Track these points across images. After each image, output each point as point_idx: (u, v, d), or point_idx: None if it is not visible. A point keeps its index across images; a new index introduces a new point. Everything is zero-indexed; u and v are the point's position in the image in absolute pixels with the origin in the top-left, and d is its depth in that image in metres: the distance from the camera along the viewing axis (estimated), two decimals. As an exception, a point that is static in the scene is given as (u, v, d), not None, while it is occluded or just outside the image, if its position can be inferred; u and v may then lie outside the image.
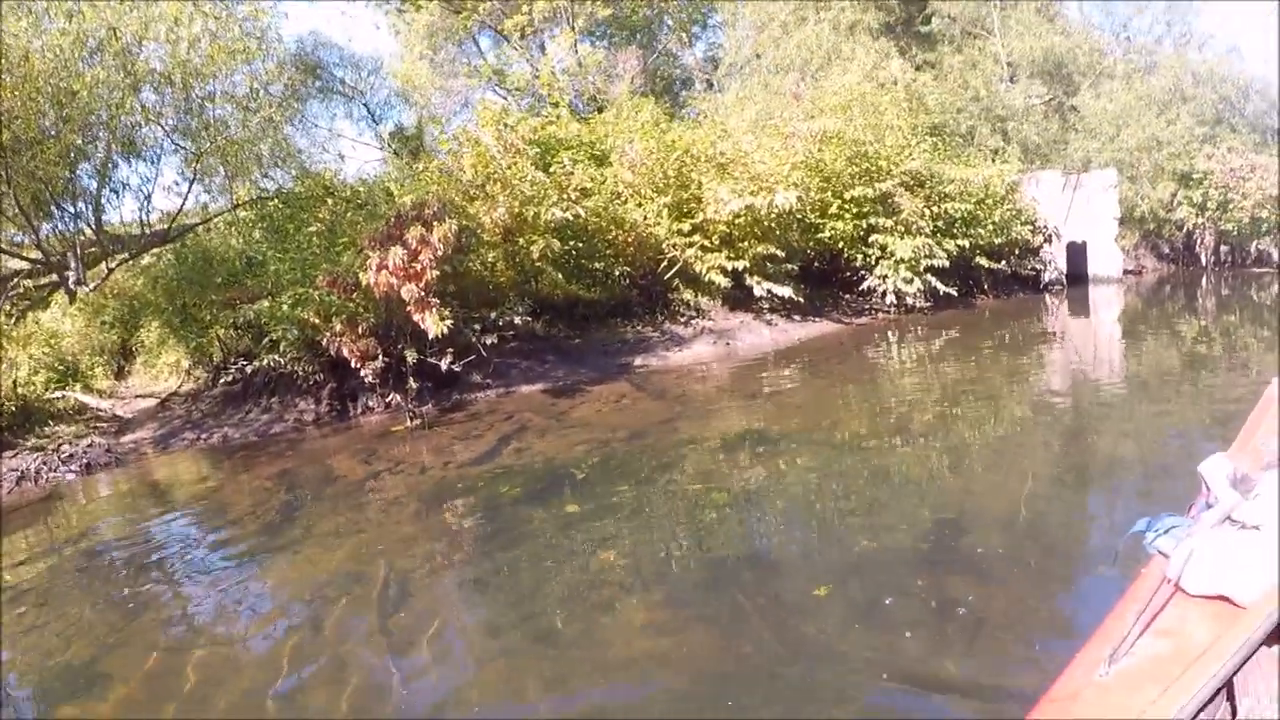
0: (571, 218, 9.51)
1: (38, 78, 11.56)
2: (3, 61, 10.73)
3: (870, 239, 11.79)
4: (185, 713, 3.69)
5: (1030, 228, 17.09)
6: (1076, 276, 18.98)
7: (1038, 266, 17.69)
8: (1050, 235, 18.30)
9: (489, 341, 9.16)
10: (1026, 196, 17.65)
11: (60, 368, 12.76)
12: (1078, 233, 19.26)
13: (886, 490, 5.65)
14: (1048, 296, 17.30)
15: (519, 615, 4.31)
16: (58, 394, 11.89)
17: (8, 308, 13.32)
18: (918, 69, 17.83)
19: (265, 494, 7.45)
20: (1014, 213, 16.08)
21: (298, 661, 4.09)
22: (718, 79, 19.03)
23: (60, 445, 10.24)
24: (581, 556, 4.97)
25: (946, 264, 12.59)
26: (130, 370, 13.44)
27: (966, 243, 13.50)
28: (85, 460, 9.52)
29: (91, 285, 13.69)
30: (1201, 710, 1.66)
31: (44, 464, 9.52)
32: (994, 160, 16.92)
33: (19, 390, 11.20)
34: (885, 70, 15.43)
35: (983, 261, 14.19)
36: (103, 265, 14.21)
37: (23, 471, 9.27)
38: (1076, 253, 19.27)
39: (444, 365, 9.03)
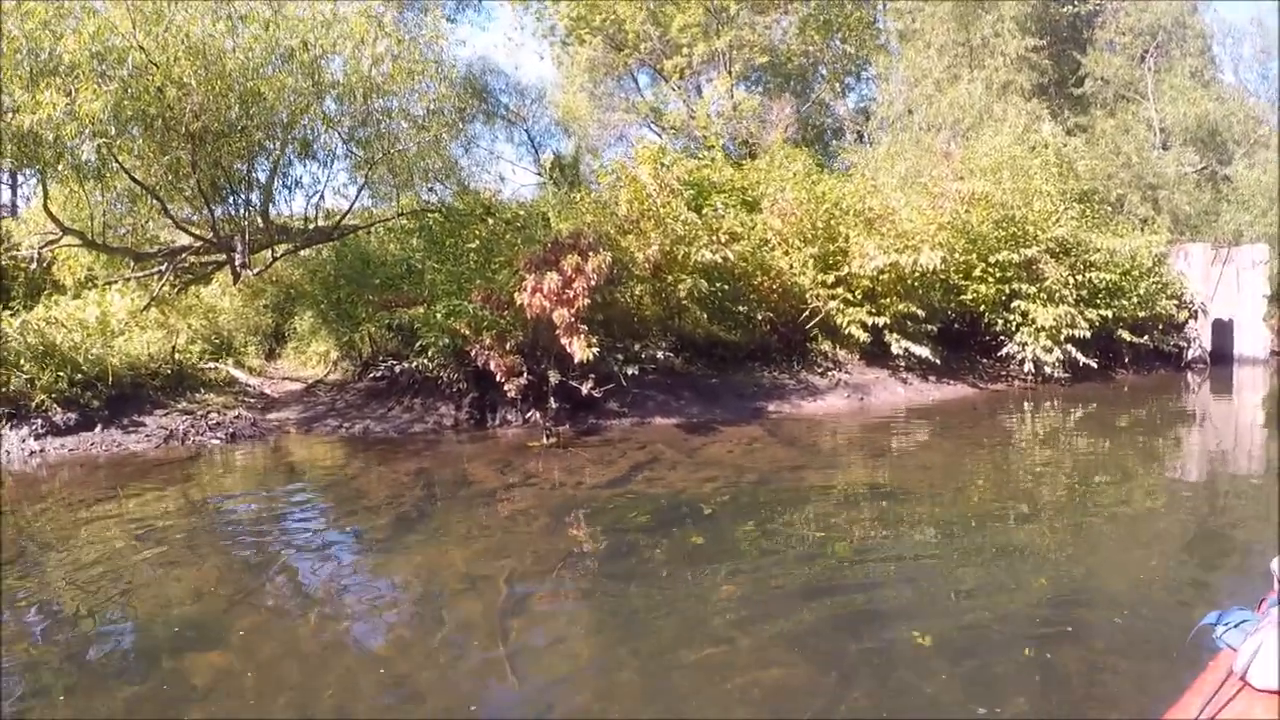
0: (720, 260, 9.73)
1: (229, 76, 12.54)
2: (199, 59, 11.67)
3: (1012, 304, 11.59)
4: (286, 678, 3.95)
5: (1176, 302, 16.39)
6: (1221, 355, 18.06)
7: (1181, 343, 16.92)
8: (1196, 311, 17.51)
9: (630, 372, 9.42)
10: (1174, 270, 16.94)
11: (216, 341, 13.72)
12: (1224, 310, 18.36)
13: (1005, 558, 5.61)
14: (1190, 375, 16.53)
15: (632, 635, 4.47)
16: (211, 365, 12.78)
17: (172, 279, 14.43)
18: (1069, 133, 17.39)
19: (400, 488, 7.87)
20: (1160, 286, 15.46)
21: (405, 648, 4.32)
22: (869, 131, 19.03)
23: (209, 413, 11.03)
24: (701, 587, 5.10)
25: (1088, 335, 12.24)
26: (280, 353, 14.35)
27: (1109, 314, 13.08)
28: (231, 430, 10.24)
29: (255, 269, 14.68)
30: None
31: (192, 427, 10.29)
32: (1143, 230, 16.31)
33: (176, 356, 12.10)
34: (1036, 133, 15.12)
35: (1124, 335, 13.71)
36: (266, 253, 15.21)
37: (171, 431, 10.08)
38: (1222, 330, 18.35)
39: (584, 389, 9.35)
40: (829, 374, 10.69)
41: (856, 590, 5.12)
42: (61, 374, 9.98)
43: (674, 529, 6.41)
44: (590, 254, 9.06)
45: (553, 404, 9.42)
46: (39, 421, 9.66)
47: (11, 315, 10.71)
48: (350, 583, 5.40)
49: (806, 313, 10.56)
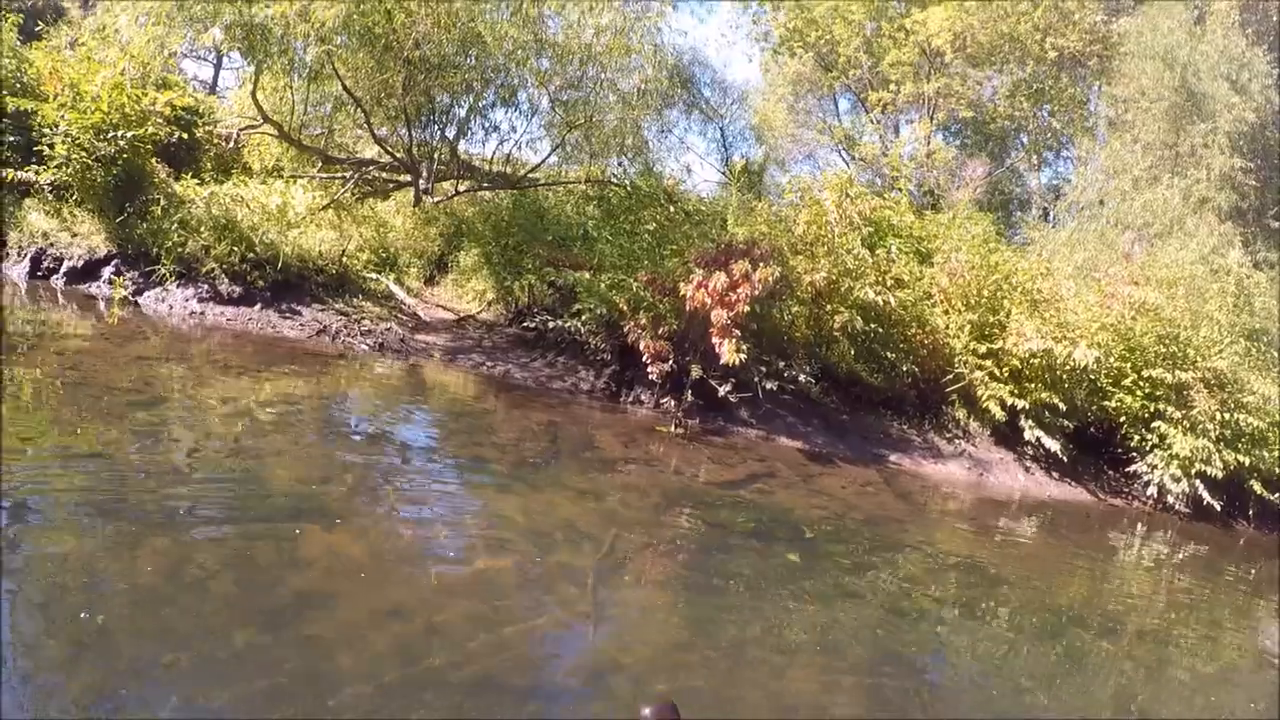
0: (881, 303, 9.97)
1: (455, 13, 13.44)
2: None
3: (1153, 424, 11.37)
4: (378, 579, 4.44)
5: (1317, 470, 15.53)
6: (1351, 540, 17.01)
7: (1313, 514, 16.06)
8: (1336, 486, 16.52)
9: (768, 386, 9.77)
10: (1325, 437, 16.05)
11: (382, 255, 14.63)
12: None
13: (1075, 667, 5.72)
14: (1313, 549, 15.75)
15: (709, 625, 4.83)
16: (373, 276, 13.67)
17: (354, 188, 15.55)
18: (1256, 265, 16.69)
19: (530, 435, 8.47)
20: (1308, 448, 14.73)
21: (500, 578, 4.77)
22: (1055, 211, 18.76)
23: (363, 319, 11.85)
24: (784, 601, 5.45)
25: (1220, 475, 11.89)
26: (440, 281, 15.22)
27: (1247, 460, 12.61)
28: (380, 340, 10.95)
29: (436, 198, 15.66)
30: None
31: (344, 328, 11.06)
32: (1304, 386, 15.52)
33: (344, 259, 13.05)
34: (1222, 257, 14.61)
35: (1257, 486, 13.18)
36: (448, 185, 16.17)
37: (324, 326, 10.88)
38: (1359, 513, 17.28)
39: (722, 391, 9.75)
40: (955, 441, 10.78)
41: (926, 647, 5.39)
42: (236, 248, 10.91)
43: (774, 542, 6.76)
44: (760, 264, 9.43)
45: (688, 396, 9.86)
46: (205, 286, 10.66)
47: (200, 184, 11.75)
48: (462, 507, 5.93)
49: (951, 376, 10.68)
